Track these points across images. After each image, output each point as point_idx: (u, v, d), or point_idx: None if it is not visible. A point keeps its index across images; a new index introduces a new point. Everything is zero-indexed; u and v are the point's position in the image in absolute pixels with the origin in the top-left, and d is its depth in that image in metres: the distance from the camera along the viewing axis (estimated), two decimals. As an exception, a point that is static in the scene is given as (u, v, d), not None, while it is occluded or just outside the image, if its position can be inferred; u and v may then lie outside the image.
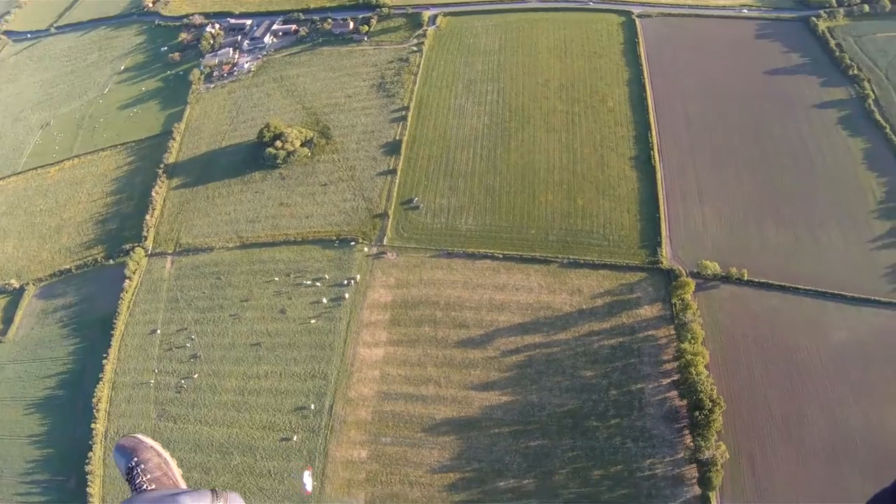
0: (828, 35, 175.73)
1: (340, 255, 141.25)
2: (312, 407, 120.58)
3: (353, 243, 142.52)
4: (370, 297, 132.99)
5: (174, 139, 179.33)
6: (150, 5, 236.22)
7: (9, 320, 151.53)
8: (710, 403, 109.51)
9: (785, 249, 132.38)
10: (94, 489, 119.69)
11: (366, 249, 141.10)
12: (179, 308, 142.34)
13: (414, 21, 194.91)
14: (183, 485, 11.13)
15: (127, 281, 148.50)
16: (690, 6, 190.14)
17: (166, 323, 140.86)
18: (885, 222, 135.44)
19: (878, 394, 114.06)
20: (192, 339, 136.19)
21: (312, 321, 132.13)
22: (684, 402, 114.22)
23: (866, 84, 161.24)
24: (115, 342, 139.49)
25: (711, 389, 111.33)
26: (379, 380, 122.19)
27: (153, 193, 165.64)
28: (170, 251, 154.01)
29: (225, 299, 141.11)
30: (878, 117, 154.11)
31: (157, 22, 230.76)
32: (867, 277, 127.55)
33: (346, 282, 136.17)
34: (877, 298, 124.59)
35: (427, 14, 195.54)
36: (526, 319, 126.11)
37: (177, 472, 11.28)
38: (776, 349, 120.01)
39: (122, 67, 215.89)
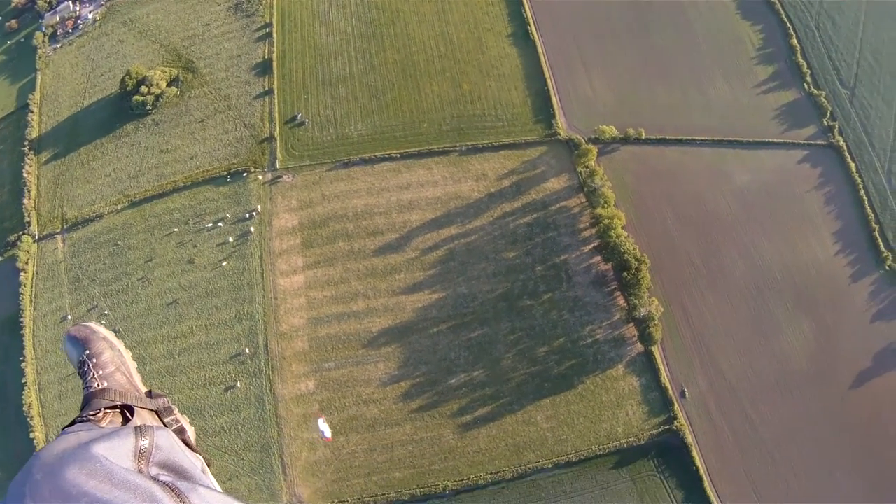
0: None
1: (235, 189, 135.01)
2: (247, 350, 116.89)
3: (245, 174, 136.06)
4: (276, 224, 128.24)
5: (32, 112, 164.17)
6: None
7: None
8: (636, 262, 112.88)
9: (676, 105, 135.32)
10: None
11: (260, 177, 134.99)
12: (84, 286, 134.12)
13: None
14: (138, 382, 10.27)
15: (22, 274, 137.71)
16: None
17: (75, 305, 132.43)
18: (766, 67, 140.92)
19: (785, 227, 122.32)
20: (105, 314, 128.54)
21: (224, 264, 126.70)
22: (609, 265, 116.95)
23: None
24: (27, 341, 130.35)
25: (634, 248, 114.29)
26: (306, 306, 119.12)
27: (24, 174, 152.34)
28: (58, 230, 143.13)
29: (128, 264, 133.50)
30: None
31: None
32: (758, 121, 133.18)
33: (247, 215, 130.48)
34: (770, 140, 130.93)
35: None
36: (438, 213, 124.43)
37: (132, 366, 10.44)
38: (685, 201, 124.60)
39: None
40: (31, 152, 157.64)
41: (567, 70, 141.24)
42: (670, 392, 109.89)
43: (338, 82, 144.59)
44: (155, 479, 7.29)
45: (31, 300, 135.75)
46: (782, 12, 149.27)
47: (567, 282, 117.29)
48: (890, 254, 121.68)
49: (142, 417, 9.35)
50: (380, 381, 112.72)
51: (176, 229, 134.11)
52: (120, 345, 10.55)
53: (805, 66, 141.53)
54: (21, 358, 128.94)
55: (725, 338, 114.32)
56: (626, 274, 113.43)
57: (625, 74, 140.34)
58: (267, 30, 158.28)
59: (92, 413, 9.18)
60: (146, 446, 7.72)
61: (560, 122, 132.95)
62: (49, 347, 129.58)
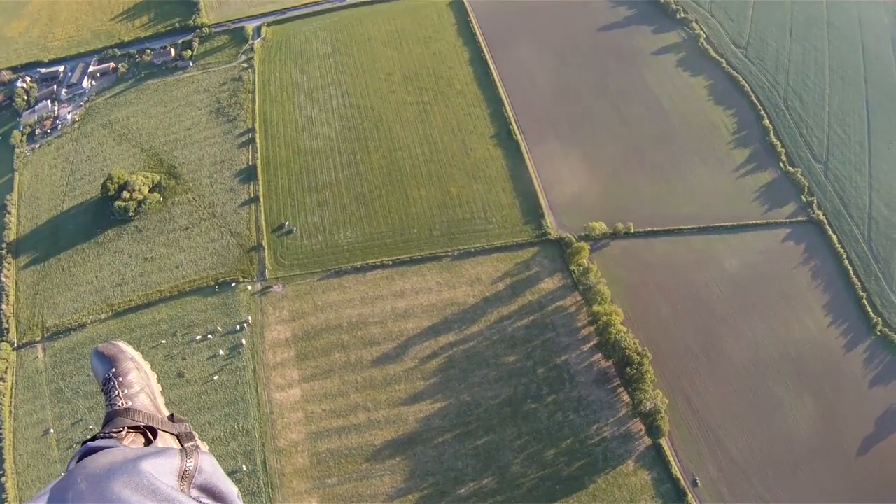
0: None
1: (224, 300, 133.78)
2: (244, 468, 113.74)
3: (234, 284, 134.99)
4: (268, 336, 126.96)
5: (10, 213, 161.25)
6: None
7: None
8: (638, 357, 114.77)
9: (660, 195, 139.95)
10: None
11: (249, 288, 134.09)
12: (67, 399, 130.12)
13: (238, 37, 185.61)
14: (162, 405, 10.33)
15: (0, 383, 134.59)
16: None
17: (58, 419, 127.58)
18: (742, 150, 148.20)
19: (777, 306, 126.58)
20: (90, 429, 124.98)
21: (215, 378, 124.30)
22: (610, 362, 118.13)
23: (695, 25, 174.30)
24: (7, 455, 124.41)
25: (634, 343, 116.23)
26: (305, 421, 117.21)
27: (2, 278, 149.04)
28: (38, 339, 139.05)
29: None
30: (713, 54, 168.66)
31: None
32: (741, 204, 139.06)
33: (238, 327, 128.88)
34: (754, 221, 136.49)
35: (250, 27, 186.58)
36: (434, 321, 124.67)
37: (157, 389, 10.49)
38: (678, 290, 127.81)
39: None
40: (9, 255, 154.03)
41: (551, 167, 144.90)
42: (682, 482, 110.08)
43: (324, 188, 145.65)
44: (196, 500, 7.61)
45: (10, 412, 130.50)
46: (752, 94, 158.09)
47: (570, 382, 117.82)
48: (879, 319, 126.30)
49: (164, 440, 9.51)
50: (387, 494, 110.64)
51: (163, 341, 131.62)
52: (147, 367, 10.70)
53: (779, 144, 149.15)
54: (0, 472, 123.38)
55: (731, 422, 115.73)
56: (628, 369, 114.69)
57: (607, 167, 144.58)
58: (250, 135, 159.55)
59: (115, 430, 9.46)
60: (191, 468, 8.01)
61: (549, 221, 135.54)
62: (31, 462, 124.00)
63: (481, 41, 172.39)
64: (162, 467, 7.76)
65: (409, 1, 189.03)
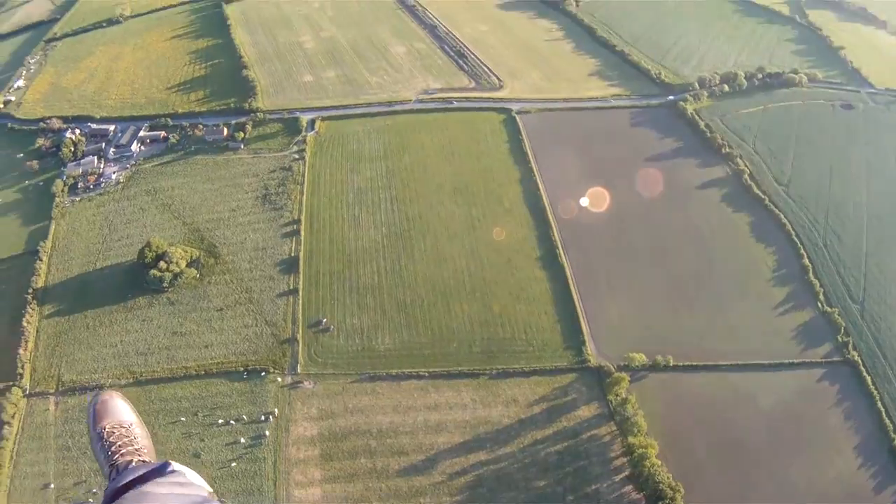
0: (696, 117, 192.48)
1: (252, 388, 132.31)
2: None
3: (263, 374, 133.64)
4: (294, 432, 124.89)
5: (41, 259, 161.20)
6: (2, 106, 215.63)
7: None
8: (671, 491, 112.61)
9: (700, 329, 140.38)
10: None
11: (279, 380, 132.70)
12: (73, 457, 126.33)
13: (291, 126, 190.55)
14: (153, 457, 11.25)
15: (6, 427, 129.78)
16: (564, 100, 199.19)
17: (60, 475, 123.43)
18: (781, 289, 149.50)
19: (809, 447, 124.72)
20: (94, 493, 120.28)
21: (233, 464, 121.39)
22: (641, 494, 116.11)
23: (739, 160, 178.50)
24: (1, 500, 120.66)
25: (668, 477, 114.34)
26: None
27: (24, 323, 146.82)
28: (51, 391, 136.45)
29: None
30: (756, 191, 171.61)
31: (10, 125, 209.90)
32: (778, 342, 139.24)
33: (263, 417, 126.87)
34: (791, 360, 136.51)
35: (304, 119, 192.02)
36: (466, 438, 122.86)
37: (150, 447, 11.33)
38: (713, 427, 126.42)
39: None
40: (35, 301, 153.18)
41: (594, 295, 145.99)
42: None
43: (366, 291, 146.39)
44: None
45: (11, 457, 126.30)
46: (792, 232, 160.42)
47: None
48: None
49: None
50: None
51: (183, 419, 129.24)
52: (136, 417, 11.44)
53: (817, 284, 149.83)
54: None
55: None
56: (660, 503, 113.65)
57: (650, 299, 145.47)
58: (294, 226, 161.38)
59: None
60: None
61: (590, 348, 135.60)
62: None
63: (532, 161, 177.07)
64: None
65: (463, 114, 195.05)
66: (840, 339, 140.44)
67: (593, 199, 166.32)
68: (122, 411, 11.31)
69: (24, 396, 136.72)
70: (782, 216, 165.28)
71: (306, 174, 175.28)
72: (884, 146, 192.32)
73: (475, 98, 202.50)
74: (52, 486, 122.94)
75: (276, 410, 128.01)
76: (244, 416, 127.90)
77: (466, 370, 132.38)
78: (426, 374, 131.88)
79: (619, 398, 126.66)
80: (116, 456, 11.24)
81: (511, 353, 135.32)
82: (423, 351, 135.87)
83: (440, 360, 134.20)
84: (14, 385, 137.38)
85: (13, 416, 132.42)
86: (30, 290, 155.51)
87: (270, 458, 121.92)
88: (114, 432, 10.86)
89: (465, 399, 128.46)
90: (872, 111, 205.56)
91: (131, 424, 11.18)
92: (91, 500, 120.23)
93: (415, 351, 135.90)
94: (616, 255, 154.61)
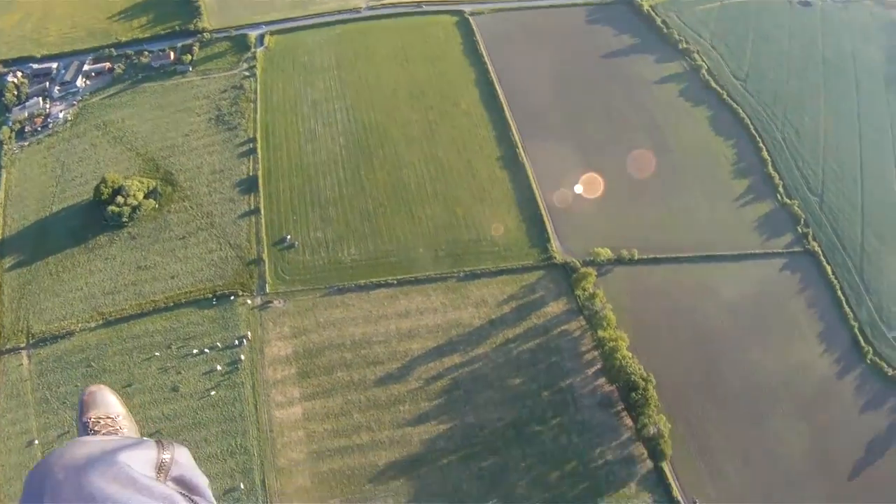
0: (653, 14, 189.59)
1: (222, 314, 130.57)
2: (242, 487, 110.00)
3: (232, 298, 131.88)
4: (269, 353, 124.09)
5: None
6: None
7: None
8: (643, 382, 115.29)
9: (663, 222, 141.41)
10: None
11: (249, 302, 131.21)
12: (53, 409, 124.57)
13: (240, 44, 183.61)
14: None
15: None
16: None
17: (43, 429, 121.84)
18: (741, 181, 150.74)
19: (773, 334, 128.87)
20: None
21: (212, 393, 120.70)
22: (614, 386, 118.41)
23: (696, 56, 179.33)
24: None
25: (639, 368, 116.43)
26: (305, 440, 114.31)
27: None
28: (22, 345, 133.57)
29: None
30: (714, 85, 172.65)
31: None
32: (740, 233, 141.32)
33: (237, 342, 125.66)
34: (752, 251, 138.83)
35: (253, 35, 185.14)
36: (440, 342, 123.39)
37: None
38: (680, 317, 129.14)
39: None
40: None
41: (557, 193, 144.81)
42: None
43: (327, 203, 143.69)
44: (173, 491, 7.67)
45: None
46: (751, 126, 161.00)
47: (574, 405, 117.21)
48: (870, 348, 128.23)
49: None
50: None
51: (157, 353, 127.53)
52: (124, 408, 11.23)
53: (777, 177, 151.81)
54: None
55: (729, 446, 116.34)
56: (633, 394, 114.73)
57: (611, 192, 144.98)
58: (250, 145, 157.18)
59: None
60: (167, 459, 8.24)
61: (555, 245, 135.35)
62: (13, 474, 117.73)
63: (487, 62, 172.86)
64: (139, 458, 7.94)
65: (414, 19, 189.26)
66: (800, 230, 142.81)
67: (551, 97, 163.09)
68: (109, 403, 11.05)
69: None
70: (740, 110, 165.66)
71: (258, 91, 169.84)
72: (841, 44, 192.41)
73: (427, 1, 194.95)
74: (37, 441, 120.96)
75: (248, 333, 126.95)
76: (218, 343, 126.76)
77: (434, 274, 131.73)
78: (394, 282, 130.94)
79: (586, 293, 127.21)
80: None
81: (477, 255, 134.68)
82: (390, 259, 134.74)
83: (407, 267, 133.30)
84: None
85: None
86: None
87: (248, 382, 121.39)
88: (99, 421, 10.55)
89: (435, 303, 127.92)
90: (830, 8, 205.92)
91: (118, 416, 10.93)
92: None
93: (381, 259, 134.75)
94: (575, 151, 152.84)
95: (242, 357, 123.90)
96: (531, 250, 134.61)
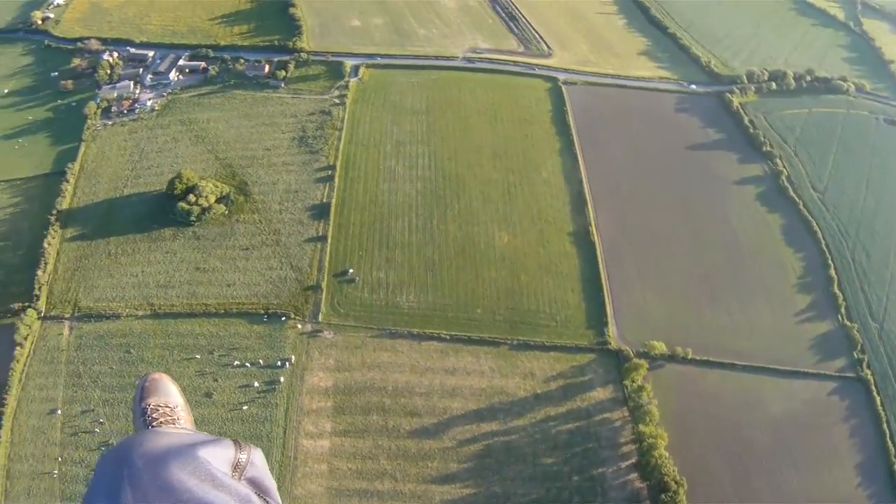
0: (742, 111, 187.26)
1: (271, 332, 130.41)
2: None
3: (283, 319, 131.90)
4: (309, 381, 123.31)
5: (68, 181, 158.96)
6: (40, 22, 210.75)
7: None
8: (675, 485, 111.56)
9: (720, 325, 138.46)
10: None
11: (299, 326, 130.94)
12: (83, 385, 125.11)
13: (334, 70, 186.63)
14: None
15: (18, 348, 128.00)
16: (612, 76, 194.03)
17: (68, 402, 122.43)
18: (804, 296, 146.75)
19: (811, 458, 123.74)
20: (100, 422, 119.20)
21: (244, 407, 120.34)
22: (644, 484, 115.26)
23: (778, 160, 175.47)
24: (6, 421, 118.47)
25: (674, 470, 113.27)
26: (328, 474, 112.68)
27: (45, 244, 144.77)
28: (67, 315, 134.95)
29: (137, 377, 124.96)
30: (792, 194, 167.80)
31: (46, 42, 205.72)
32: (795, 349, 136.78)
33: (279, 363, 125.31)
34: (804, 370, 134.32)
35: (349, 64, 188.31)
36: (480, 405, 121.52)
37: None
38: (722, 425, 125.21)
39: (6, 91, 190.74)
40: (57, 223, 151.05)
41: (621, 277, 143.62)
42: None
43: (395, 246, 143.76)
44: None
45: (20, 379, 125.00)
46: (823, 241, 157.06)
47: (602, 496, 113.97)
48: None
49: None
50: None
51: (198, 356, 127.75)
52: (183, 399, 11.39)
53: (841, 297, 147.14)
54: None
55: None
56: (664, 496, 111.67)
57: (676, 288, 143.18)
58: (329, 172, 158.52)
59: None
60: (243, 460, 8.52)
61: (612, 331, 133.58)
62: (29, 436, 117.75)
63: (574, 134, 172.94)
64: (218, 456, 8.23)
65: (508, 78, 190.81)
66: (856, 355, 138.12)
67: (630, 179, 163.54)
68: (170, 393, 11.29)
69: (38, 318, 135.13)
70: (814, 223, 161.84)
71: (346, 120, 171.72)
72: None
73: (523, 63, 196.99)
74: (59, 412, 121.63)
75: (293, 357, 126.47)
76: (260, 360, 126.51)
77: (488, 337, 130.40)
78: (447, 337, 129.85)
79: (634, 384, 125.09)
80: None
81: (533, 326, 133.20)
82: (447, 313, 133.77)
83: (463, 325, 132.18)
84: (30, 306, 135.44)
85: (26, 338, 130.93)
86: (54, 212, 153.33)
87: (283, 405, 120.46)
88: (158, 409, 10.69)
89: (484, 366, 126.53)
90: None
91: (177, 406, 11.04)
92: (97, 429, 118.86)
93: (438, 312, 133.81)
94: (647, 238, 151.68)
95: (282, 379, 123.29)
96: (587, 331, 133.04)
